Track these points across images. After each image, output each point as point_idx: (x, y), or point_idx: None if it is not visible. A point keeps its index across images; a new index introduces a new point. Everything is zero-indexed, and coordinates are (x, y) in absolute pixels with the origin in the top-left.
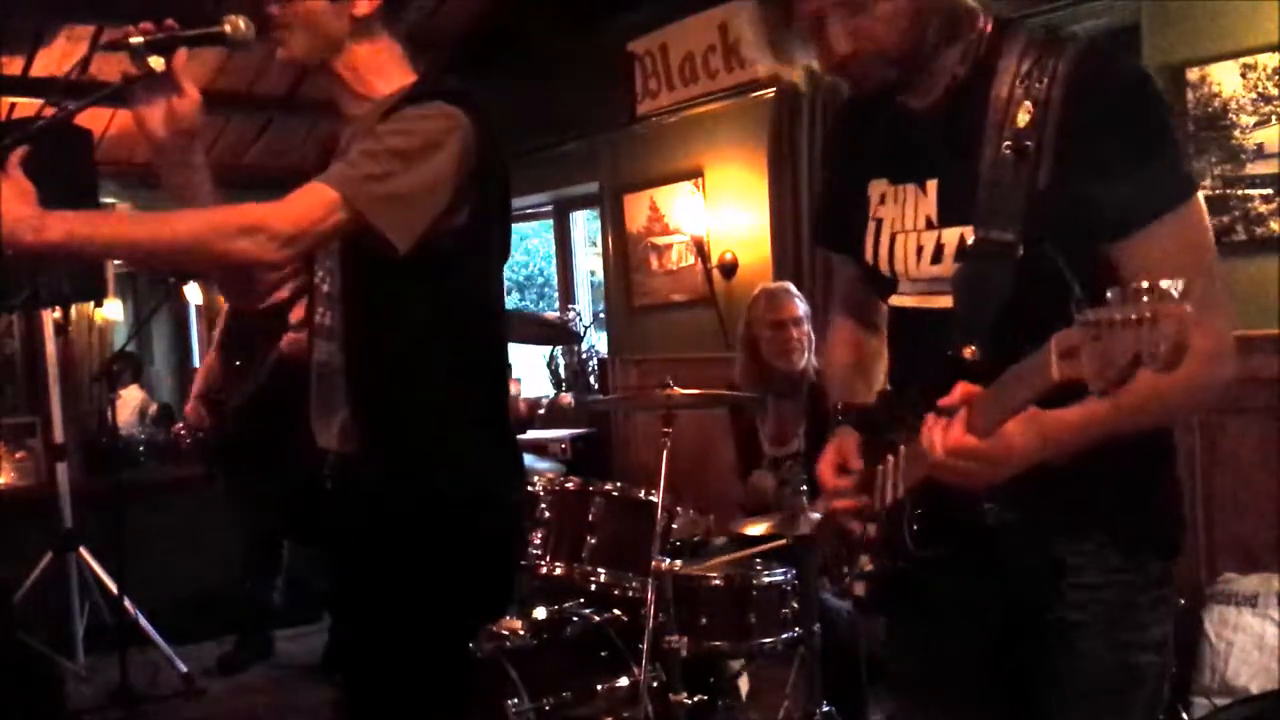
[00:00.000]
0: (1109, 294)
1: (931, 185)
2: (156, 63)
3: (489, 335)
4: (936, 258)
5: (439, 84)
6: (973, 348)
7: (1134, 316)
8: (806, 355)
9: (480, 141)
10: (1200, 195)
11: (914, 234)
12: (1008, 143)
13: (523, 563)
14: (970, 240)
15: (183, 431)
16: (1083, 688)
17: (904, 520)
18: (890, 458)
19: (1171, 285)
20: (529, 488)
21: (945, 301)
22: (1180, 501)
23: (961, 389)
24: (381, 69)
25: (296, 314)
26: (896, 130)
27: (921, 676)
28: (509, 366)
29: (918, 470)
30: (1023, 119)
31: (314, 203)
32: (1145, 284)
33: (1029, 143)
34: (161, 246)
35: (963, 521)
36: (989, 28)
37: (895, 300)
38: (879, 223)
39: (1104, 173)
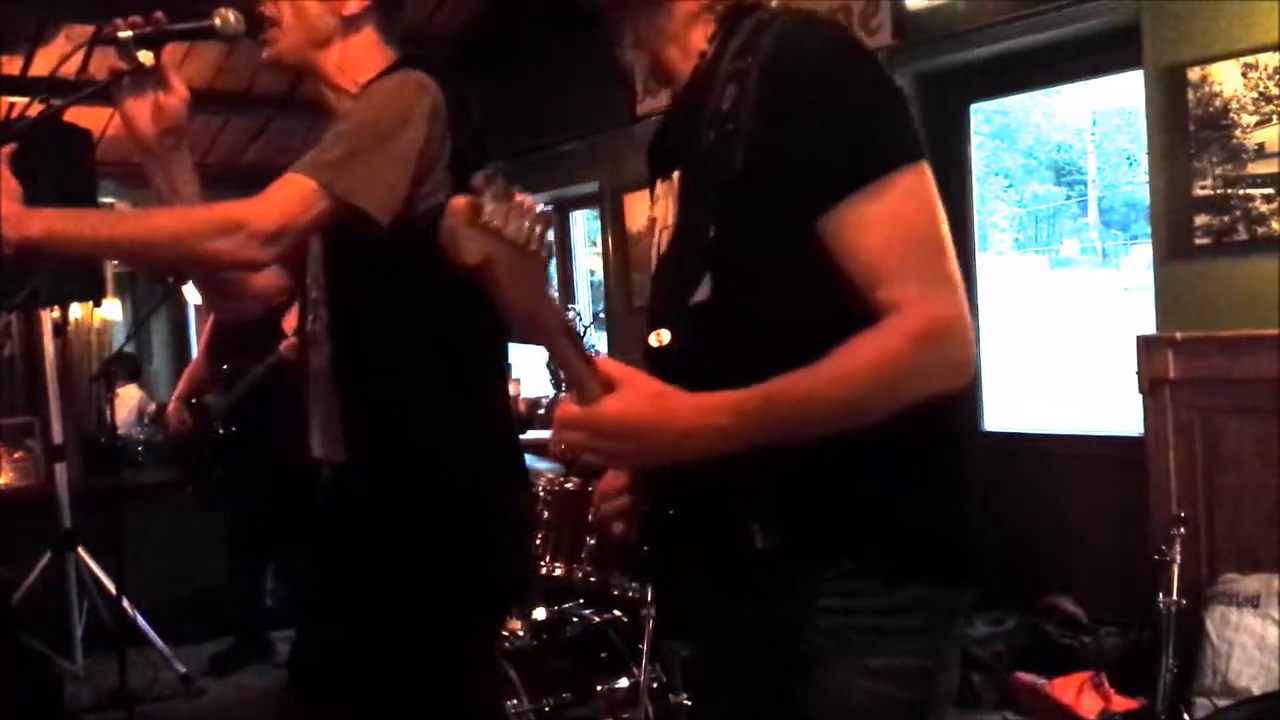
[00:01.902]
0: None
1: (675, 176)
2: (146, 57)
3: (481, 329)
4: None
5: (406, 56)
6: (661, 333)
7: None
8: None
9: (451, 105)
10: (922, 167)
11: (668, 229)
12: (713, 129)
13: (529, 562)
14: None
15: (171, 427)
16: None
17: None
18: None
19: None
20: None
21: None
22: (949, 518)
23: (601, 362)
24: (367, 67)
25: (290, 321)
26: (667, 122)
27: (712, 704)
28: (505, 361)
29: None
30: (727, 102)
31: (293, 196)
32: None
33: (730, 125)
34: (140, 245)
35: (718, 542)
36: (734, 5)
37: None
38: (653, 222)
39: (793, 147)
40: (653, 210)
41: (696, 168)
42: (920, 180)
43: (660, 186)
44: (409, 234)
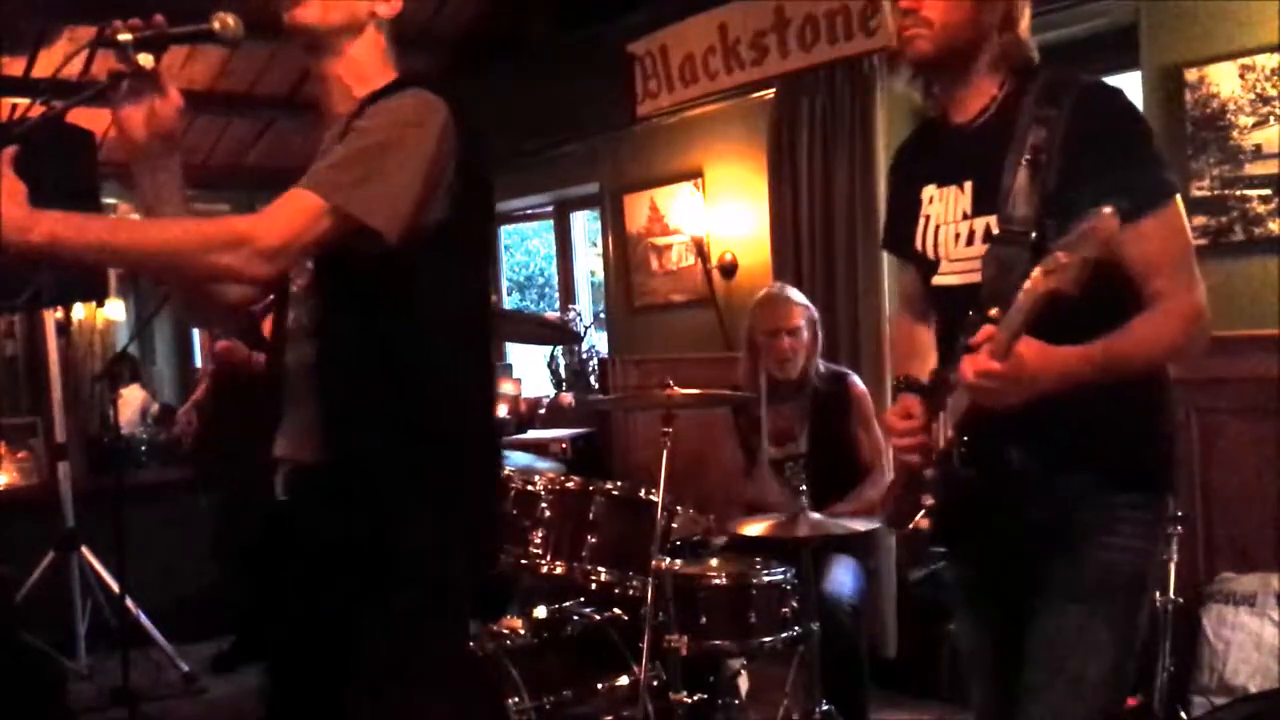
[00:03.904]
0: (1071, 225)
1: (968, 185)
2: (146, 60)
3: (470, 337)
4: (970, 241)
5: (412, 75)
6: (997, 309)
7: (1081, 230)
8: (801, 362)
9: (457, 130)
10: (1179, 197)
11: (954, 224)
12: (1026, 156)
13: (502, 567)
14: (995, 230)
15: (175, 431)
16: (1060, 584)
17: (954, 448)
18: (942, 414)
19: (1106, 207)
20: (523, 487)
21: (976, 277)
22: (1165, 455)
23: (984, 330)
24: (375, 71)
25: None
26: (944, 144)
27: (969, 586)
28: (494, 366)
29: (961, 405)
30: (1038, 137)
31: (298, 212)
32: (1090, 211)
33: (1042, 157)
34: (144, 254)
35: (994, 454)
36: (1019, 64)
37: (936, 280)
38: (927, 218)
39: (1099, 179)
40: (927, 209)
41: (993, 182)
42: (1180, 206)
43: (934, 191)
44: (404, 248)
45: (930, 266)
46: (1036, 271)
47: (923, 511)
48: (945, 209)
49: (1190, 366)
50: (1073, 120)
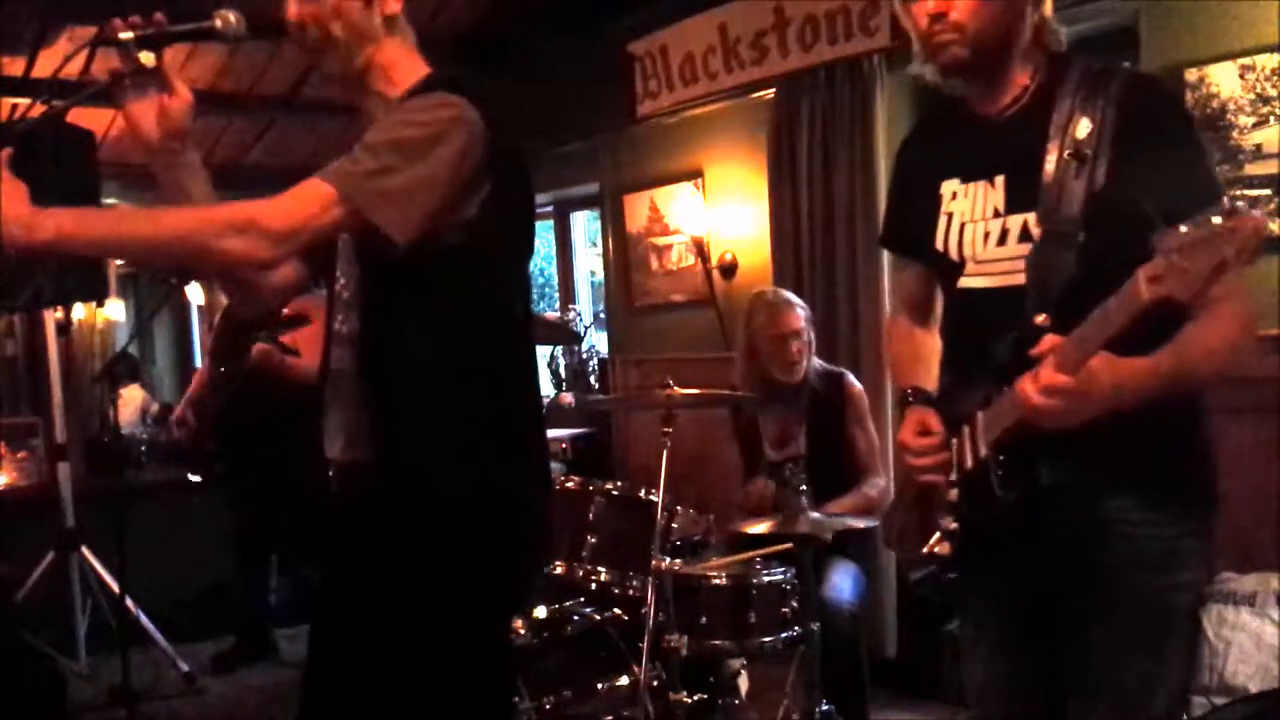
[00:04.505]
0: (1183, 226)
1: (999, 180)
2: (147, 58)
3: (511, 333)
4: (1002, 240)
5: (443, 75)
6: (1044, 315)
7: (1214, 232)
8: (805, 364)
9: (487, 131)
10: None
11: (982, 222)
12: (1069, 150)
13: (545, 559)
14: (1036, 228)
15: (175, 433)
16: (1121, 618)
17: (989, 470)
18: (967, 428)
19: (1243, 203)
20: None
21: (1011, 280)
22: (1210, 469)
23: (1047, 340)
24: (406, 65)
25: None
26: (968, 135)
27: (992, 605)
28: (535, 367)
29: (1001, 425)
30: (1082, 131)
31: (309, 199)
32: (1223, 206)
33: (1088, 151)
34: (151, 244)
35: (1035, 473)
36: (1052, 52)
37: (964, 282)
38: (950, 216)
39: (1153, 177)
40: (949, 206)
41: (1029, 176)
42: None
43: (958, 187)
44: (440, 251)
45: (954, 268)
46: (1140, 277)
47: (938, 535)
48: (972, 206)
49: None
50: (1121, 112)
